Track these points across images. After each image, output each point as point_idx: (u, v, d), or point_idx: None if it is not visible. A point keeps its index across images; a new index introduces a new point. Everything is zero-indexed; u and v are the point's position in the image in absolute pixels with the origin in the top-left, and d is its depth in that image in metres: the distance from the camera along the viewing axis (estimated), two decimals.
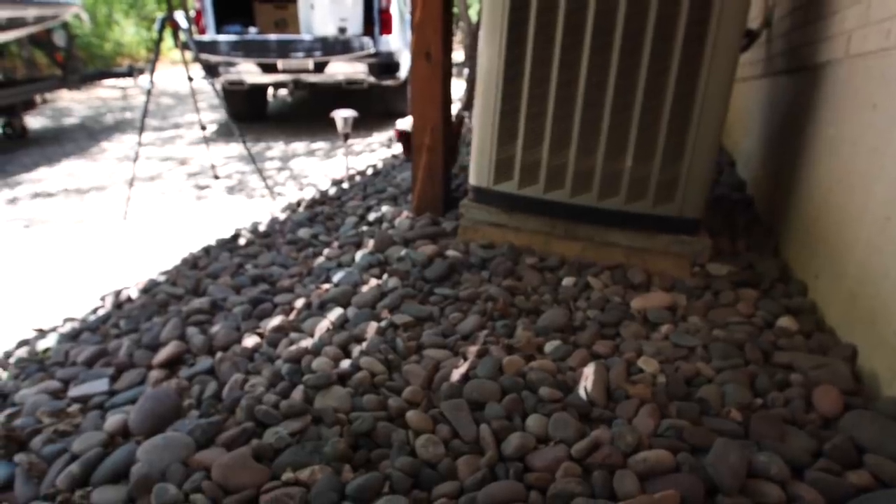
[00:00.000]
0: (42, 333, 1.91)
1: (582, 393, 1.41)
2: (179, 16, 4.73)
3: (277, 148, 4.91)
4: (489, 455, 1.21)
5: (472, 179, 2.39)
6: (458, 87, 3.63)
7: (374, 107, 5.97)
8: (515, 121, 2.21)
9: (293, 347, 1.66)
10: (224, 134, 5.58)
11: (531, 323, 1.78)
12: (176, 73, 10.02)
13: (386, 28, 5.45)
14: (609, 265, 2.16)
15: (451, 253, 2.21)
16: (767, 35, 3.04)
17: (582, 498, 1.09)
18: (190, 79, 3.47)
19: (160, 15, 3.24)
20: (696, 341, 1.66)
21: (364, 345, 1.67)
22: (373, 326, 1.75)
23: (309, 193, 3.37)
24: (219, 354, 1.68)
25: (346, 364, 1.57)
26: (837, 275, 1.70)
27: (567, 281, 2.05)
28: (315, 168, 4.15)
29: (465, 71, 6.59)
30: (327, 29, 5.53)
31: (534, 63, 2.11)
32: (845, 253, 1.67)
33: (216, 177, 3.93)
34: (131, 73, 9.49)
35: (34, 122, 6.07)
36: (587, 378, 1.46)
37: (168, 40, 4.76)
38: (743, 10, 1.87)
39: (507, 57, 2.14)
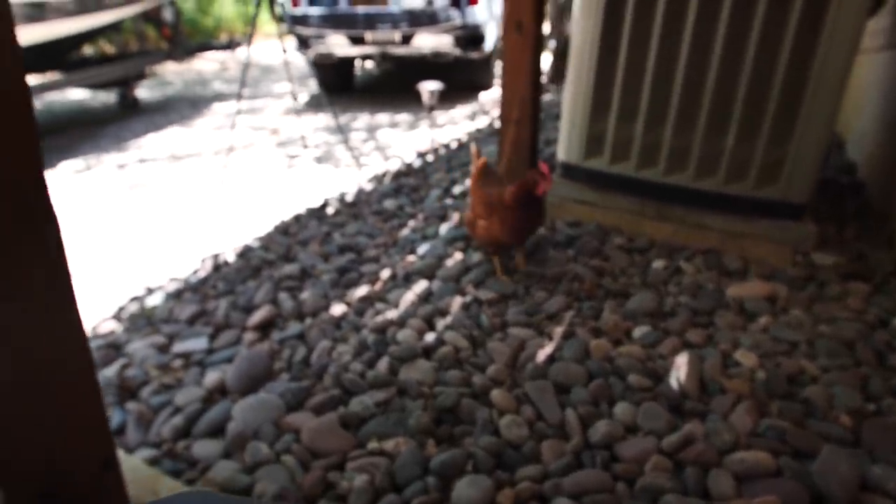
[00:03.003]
0: (150, 291, 2.05)
1: (674, 383, 1.35)
2: None
3: (363, 119, 4.98)
4: (575, 441, 1.19)
5: (561, 155, 2.32)
6: (544, 60, 3.51)
7: (457, 79, 5.92)
8: (609, 94, 2.12)
9: (379, 318, 1.69)
10: (312, 105, 5.73)
11: (618, 306, 1.72)
12: (268, 46, 10.35)
13: None
14: (702, 249, 2.05)
15: None
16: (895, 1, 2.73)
17: (672, 494, 1.05)
18: (284, 51, 3.56)
19: None
20: (798, 336, 1.55)
21: (448, 319, 1.67)
22: (457, 301, 1.75)
23: (394, 165, 3.40)
24: (308, 320, 1.74)
25: (430, 337, 1.58)
26: None
27: (657, 264, 1.97)
28: (399, 139, 4.18)
29: (552, 42, 6.40)
30: (415, 1, 5.50)
31: (632, 33, 2.00)
32: None
33: (305, 146, 4.05)
34: (230, 46, 9.88)
35: (144, 92, 6.47)
36: (679, 368, 1.39)
37: (264, 14, 4.89)
38: None
39: (603, 27, 2.04)
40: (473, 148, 2.13)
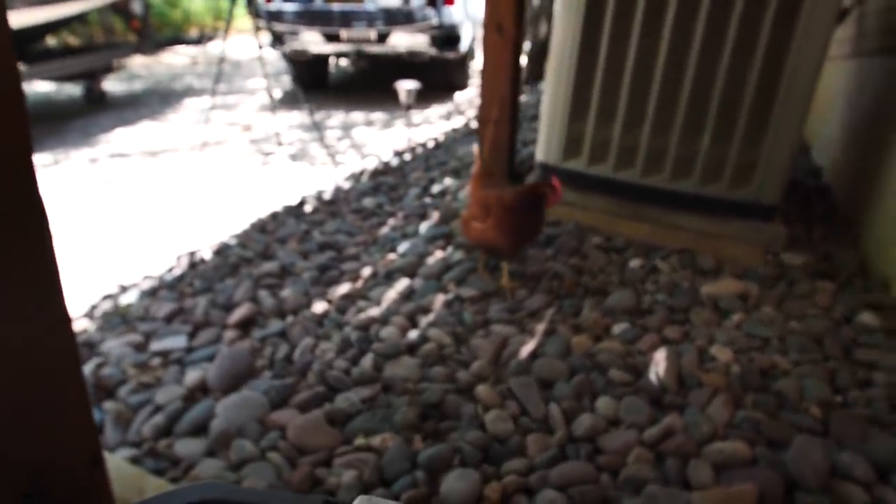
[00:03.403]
0: (124, 289, 2.01)
1: (653, 378, 1.39)
2: None
3: (337, 117, 4.95)
4: (560, 434, 1.21)
5: (540, 156, 2.35)
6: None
7: (433, 79, 5.93)
8: (588, 97, 2.16)
9: (362, 315, 1.69)
10: (287, 102, 5.67)
11: (598, 303, 1.76)
12: (241, 41, 10.19)
13: None
14: (677, 249, 2.11)
15: None
16: (859, 12, 2.84)
17: (654, 484, 1.08)
18: (259, 47, 3.52)
19: None
20: (770, 332, 1.61)
21: (431, 316, 1.68)
22: (439, 298, 1.76)
23: (371, 163, 3.39)
24: (289, 318, 1.73)
25: (413, 334, 1.59)
26: None
27: (634, 263, 2.01)
28: (374, 138, 4.17)
29: (527, 45, 6.46)
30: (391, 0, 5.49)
31: (611, 36, 2.04)
32: None
33: (280, 143, 4.01)
34: (201, 40, 9.70)
35: (111, 86, 6.31)
36: (658, 363, 1.43)
37: (239, 9, 4.83)
38: None
39: (583, 30, 2.08)
40: (476, 148, 2.12)
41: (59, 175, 3.36)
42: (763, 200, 2.02)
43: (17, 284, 0.73)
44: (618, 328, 1.62)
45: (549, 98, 2.24)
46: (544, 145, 2.31)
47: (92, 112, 5.17)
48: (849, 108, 2.76)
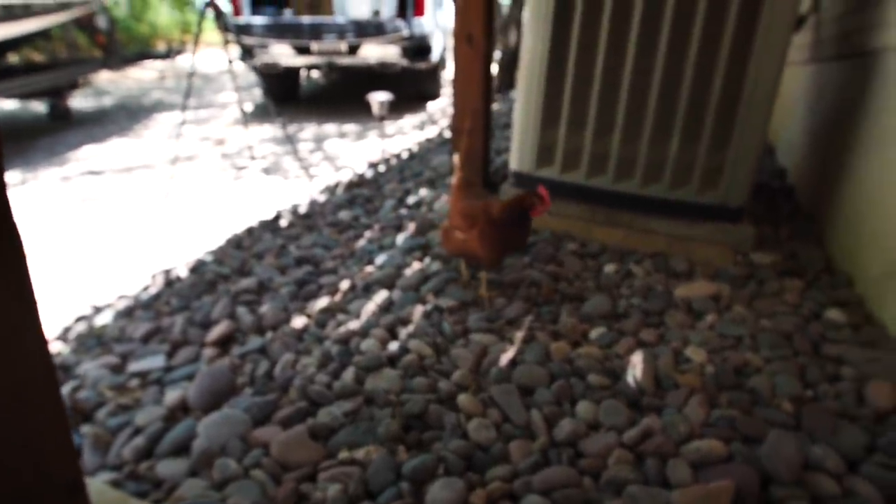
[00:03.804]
0: (98, 310, 1.98)
1: (631, 381, 1.42)
2: None
3: (310, 130, 4.94)
4: (541, 440, 1.23)
5: (514, 164, 2.39)
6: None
7: (405, 89, 5.96)
8: (558, 106, 2.20)
9: (341, 329, 1.69)
10: (258, 115, 5.64)
11: (575, 309, 1.79)
12: (209, 55, 10.10)
13: (418, 10, 5.41)
14: (651, 253, 2.15)
15: None
16: (816, 19, 2.95)
17: (635, 485, 1.11)
18: (230, 61, 3.51)
19: None
20: (742, 331, 1.65)
21: (411, 327, 1.69)
22: (418, 309, 1.77)
23: (346, 175, 3.40)
24: (269, 334, 1.72)
25: (394, 346, 1.60)
26: (892, 270, 1.67)
27: (609, 268, 2.05)
28: (347, 150, 4.18)
29: (497, 53, 6.53)
30: (361, 11, 5.52)
31: (579, 46, 2.08)
32: None
33: (252, 157, 3.99)
34: (169, 54, 9.59)
35: (77, 103, 6.20)
36: (635, 366, 1.46)
37: (208, 22, 4.80)
38: None
39: (552, 40, 2.12)
40: (455, 159, 2.10)
41: (27, 194, 3.29)
42: (731, 203, 2.08)
43: None
44: (595, 333, 1.65)
45: (521, 107, 2.27)
46: (517, 154, 2.35)
47: (58, 130, 5.08)
48: (809, 111, 2.85)
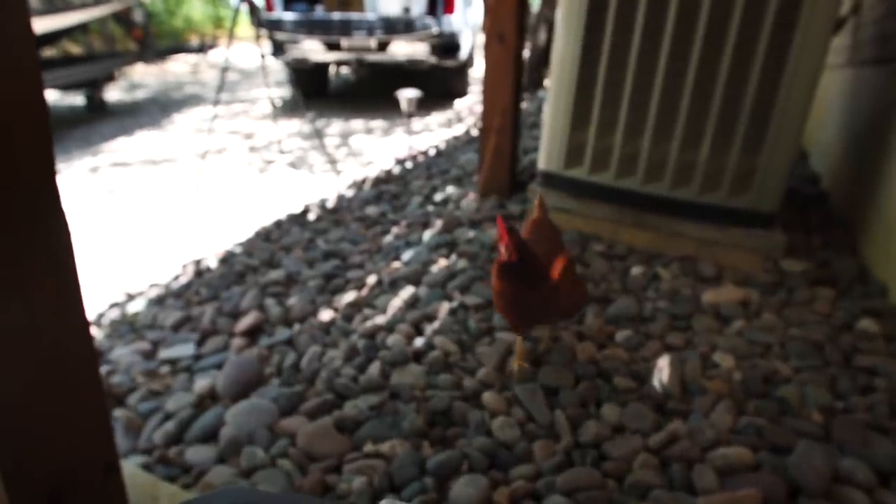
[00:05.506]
0: (131, 297, 2.03)
1: (657, 384, 1.41)
2: None
3: (337, 125, 4.98)
4: (566, 441, 1.23)
5: (542, 164, 2.38)
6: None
7: (433, 86, 5.97)
8: (589, 106, 2.18)
9: (368, 323, 1.71)
10: (286, 110, 5.70)
11: (601, 311, 1.78)
12: (241, 50, 10.24)
13: (448, 7, 5.42)
14: (678, 256, 2.13)
15: None
16: (855, 22, 2.89)
17: (660, 490, 1.10)
18: (262, 56, 3.55)
19: None
20: (771, 339, 1.63)
21: (436, 324, 1.70)
22: (444, 306, 1.78)
23: (373, 171, 3.42)
24: (296, 326, 1.75)
25: (419, 342, 1.61)
26: None
27: (635, 270, 2.03)
28: (374, 146, 4.20)
29: (526, 53, 6.51)
30: (391, 8, 5.54)
31: (612, 48, 2.07)
32: None
33: (281, 151, 4.04)
34: (202, 48, 9.75)
35: (112, 95, 6.35)
36: (662, 370, 1.45)
37: (241, 17, 4.87)
38: None
39: (584, 41, 2.10)
40: (538, 197, 1.59)
41: (61, 184, 3.39)
42: (762, 208, 2.05)
43: (38, 290, 0.75)
44: (621, 335, 1.64)
45: (551, 108, 2.26)
46: (546, 154, 2.34)
47: (93, 121, 5.20)
48: (846, 116, 2.79)
